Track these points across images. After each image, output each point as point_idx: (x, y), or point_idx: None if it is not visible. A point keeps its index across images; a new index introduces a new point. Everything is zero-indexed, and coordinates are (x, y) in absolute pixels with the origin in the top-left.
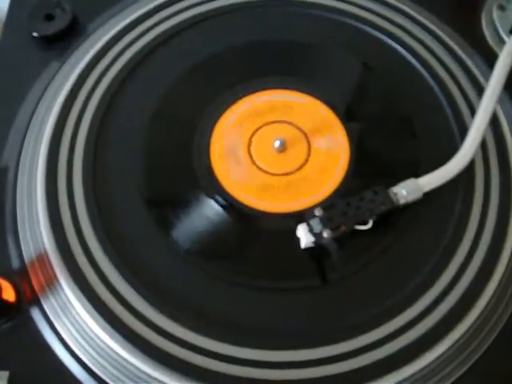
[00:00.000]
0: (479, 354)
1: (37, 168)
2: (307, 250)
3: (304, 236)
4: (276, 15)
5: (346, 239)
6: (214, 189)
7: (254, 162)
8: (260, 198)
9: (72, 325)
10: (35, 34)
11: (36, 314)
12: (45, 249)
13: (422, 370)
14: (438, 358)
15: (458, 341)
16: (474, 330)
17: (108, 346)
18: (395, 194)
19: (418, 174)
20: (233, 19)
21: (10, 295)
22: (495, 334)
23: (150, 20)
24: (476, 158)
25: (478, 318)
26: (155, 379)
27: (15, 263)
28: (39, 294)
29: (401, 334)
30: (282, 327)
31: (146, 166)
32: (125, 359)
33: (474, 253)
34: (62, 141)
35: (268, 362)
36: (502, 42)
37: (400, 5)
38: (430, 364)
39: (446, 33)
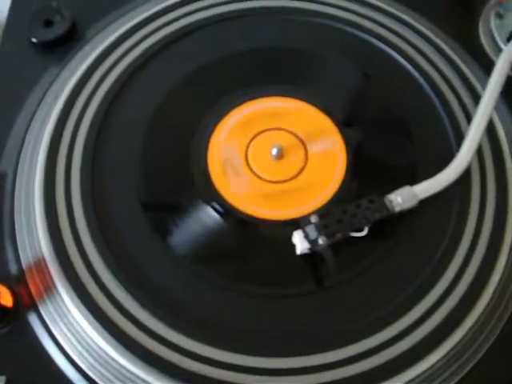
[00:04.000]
0: (477, 358)
1: (35, 174)
2: (303, 256)
3: (299, 242)
4: (274, 22)
5: (342, 246)
6: (212, 196)
7: (251, 169)
8: (257, 204)
9: (69, 330)
10: (34, 40)
11: (33, 319)
12: (42, 254)
13: (420, 375)
14: (436, 363)
15: (455, 346)
16: (472, 334)
17: (104, 352)
18: (391, 202)
19: (414, 181)
20: (230, 27)
21: (7, 300)
22: (493, 338)
23: (148, 26)
24: (472, 164)
25: (475, 322)
26: None
27: (13, 268)
28: (36, 300)
29: (398, 341)
30: (277, 333)
31: (144, 173)
32: (121, 365)
33: (470, 259)
34: (60, 146)
35: (265, 369)
36: (499, 50)
37: (398, 12)
38: (428, 369)
39: (443, 40)
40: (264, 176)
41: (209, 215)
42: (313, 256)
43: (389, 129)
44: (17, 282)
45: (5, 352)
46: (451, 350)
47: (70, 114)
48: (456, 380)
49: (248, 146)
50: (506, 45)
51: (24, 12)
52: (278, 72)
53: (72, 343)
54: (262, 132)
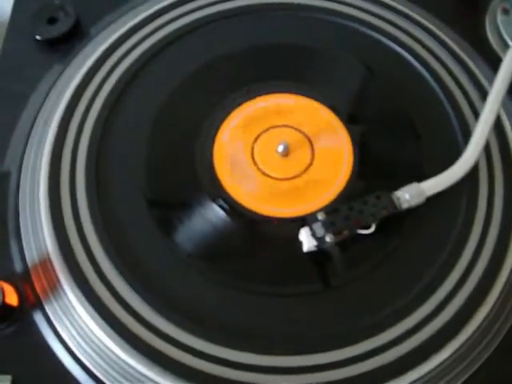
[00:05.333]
0: (484, 357)
1: (39, 172)
2: (310, 254)
3: (306, 240)
4: (277, 19)
5: (349, 243)
6: (217, 193)
7: (257, 167)
8: (263, 202)
9: (74, 328)
10: (38, 37)
11: (38, 317)
12: (47, 253)
13: (424, 376)
14: (440, 365)
15: (460, 347)
16: (478, 334)
17: (110, 350)
18: (398, 199)
19: (421, 178)
20: (233, 23)
21: (12, 299)
22: (500, 338)
23: (152, 23)
24: (480, 161)
25: (483, 321)
26: (157, 383)
27: (18, 267)
28: (42, 298)
29: (402, 341)
30: (283, 332)
31: (149, 170)
32: (127, 363)
33: (478, 256)
34: (64, 144)
35: (270, 367)
36: (506, 46)
37: (403, 8)
38: (432, 370)
39: (450, 36)
40: (270, 173)
41: (215, 212)
42: (319, 254)
43: (395, 125)
44: (22, 281)
45: (10, 351)
46: (459, 348)
47: (75, 111)
48: (463, 379)
49: (254, 144)
50: None
51: (27, 10)
52: (283, 69)
53: (77, 341)
54: (267, 129)
